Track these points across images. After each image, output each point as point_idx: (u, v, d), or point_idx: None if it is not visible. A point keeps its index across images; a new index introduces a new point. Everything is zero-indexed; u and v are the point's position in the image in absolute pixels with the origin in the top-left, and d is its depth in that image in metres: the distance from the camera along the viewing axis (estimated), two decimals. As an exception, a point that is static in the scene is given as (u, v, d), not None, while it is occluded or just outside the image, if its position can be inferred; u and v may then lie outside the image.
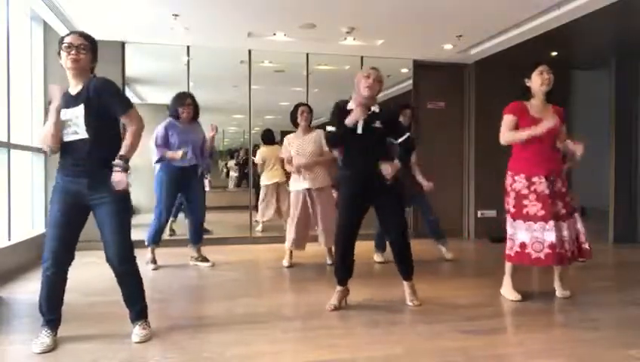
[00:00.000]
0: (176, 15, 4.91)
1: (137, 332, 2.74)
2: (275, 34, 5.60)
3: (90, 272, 4.11)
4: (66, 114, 2.61)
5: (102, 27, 5.18)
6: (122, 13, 4.92)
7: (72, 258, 2.71)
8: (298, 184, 4.69)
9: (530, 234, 3.40)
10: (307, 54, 6.45)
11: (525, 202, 3.44)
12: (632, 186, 6.53)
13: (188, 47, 6.08)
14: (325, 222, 4.66)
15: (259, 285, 4.26)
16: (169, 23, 5.09)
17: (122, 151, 2.60)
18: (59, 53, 2.64)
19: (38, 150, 5.53)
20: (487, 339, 2.77)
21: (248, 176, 6.99)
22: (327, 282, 4.26)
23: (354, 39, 5.77)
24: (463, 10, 4.82)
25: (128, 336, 2.75)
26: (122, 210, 2.69)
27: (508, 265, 3.64)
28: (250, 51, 6.28)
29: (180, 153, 4.38)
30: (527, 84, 3.57)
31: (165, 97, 4.77)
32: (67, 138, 2.62)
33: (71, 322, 3.02)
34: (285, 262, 4.87)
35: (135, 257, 2.77)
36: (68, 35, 2.67)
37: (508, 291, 3.63)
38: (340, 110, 3.36)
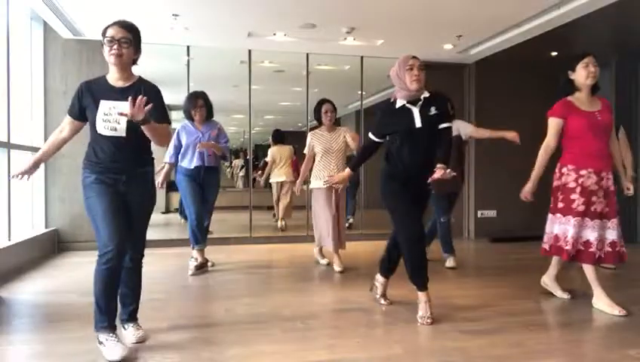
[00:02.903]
0: (176, 15, 4.92)
1: (133, 332, 2.72)
2: (275, 34, 5.60)
3: (90, 272, 4.11)
4: (106, 106, 2.51)
5: (102, 27, 5.17)
6: (122, 14, 4.89)
7: (127, 247, 2.58)
8: (321, 182, 4.52)
9: (574, 230, 3.30)
10: (307, 54, 6.45)
11: (573, 196, 3.31)
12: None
13: (188, 47, 6.08)
14: (341, 225, 4.62)
15: (259, 285, 4.26)
16: (169, 22, 5.10)
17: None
18: (102, 45, 2.56)
19: (39, 150, 5.53)
20: (487, 339, 2.77)
21: (249, 176, 7.07)
22: (328, 282, 4.27)
23: (354, 39, 5.77)
24: (463, 10, 4.82)
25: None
26: (150, 206, 2.72)
27: (592, 276, 3.39)
28: (250, 51, 6.28)
29: (161, 176, 4.49)
30: (571, 77, 3.39)
31: (165, 97, 4.75)
32: (104, 132, 2.52)
33: (71, 322, 3.03)
34: (324, 261, 4.82)
35: (144, 255, 2.77)
36: (111, 25, 2.57)
37: (603, 303, 3.34)
38: (387, 113, 3.17)
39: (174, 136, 4.56)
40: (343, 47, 6.04)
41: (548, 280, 3.74)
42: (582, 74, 3.34)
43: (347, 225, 6.45)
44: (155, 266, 4.79)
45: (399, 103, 3.10)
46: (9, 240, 4.62)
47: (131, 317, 2.78)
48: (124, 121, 2.48)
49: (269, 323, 3.06)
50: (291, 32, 5.52)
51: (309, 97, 6.57)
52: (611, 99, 6.56)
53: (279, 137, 7.44)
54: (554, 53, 6.39)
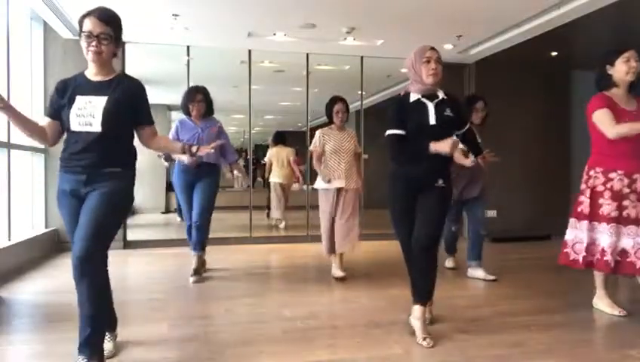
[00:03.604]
0: (176, 15, 4.92)
1: None
2: (275, 34, 5.60)
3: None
4: (82, 101, 2.33)
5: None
6: (122, 14, 4.87)
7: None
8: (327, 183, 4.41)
9: (612, 239, 3.09)
10: (307, 54, 6.45)
11: (601, 201, 3.12)
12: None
13: (188, 47, 6.08)
14: (342, 223, 4.32)
15: (259, 285, 4.26)
16: (169, 22, 5.10)
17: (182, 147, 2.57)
18: (80, 35, 2.36)
19: (39, 150, 5.53)
20: (487, 339, 2.77)
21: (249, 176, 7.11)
22: (328, 282, 4.26)
23: (354, 39, 5.77)
24: (463, 11, 4.82)
25: (127, 337, 2.74)
26: (111, 203, 2.30)
27: (598, 277, 3.32)
28: (250, 51, 6.28)
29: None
30: (609, 72, 3.20)
31: (165, 97, 4.77)
32: (77, 128, 2.31)
33: (71, 322, 3.02)
34: (337, 272, 4.31)
35: (103, 258, 2.30)
36: (87, 16, 2.37)
37: (604, 304, 3.31)
38: (401, 106, 2.83)
39: (172, 131, 4.46)
40: (343, 47, 6.04)
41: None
42: (622, 69, 3.15)
43: None
44: (154, 266, 4.80)
45: (413, 97, 2.82)
46: (9, 240, 4.62)
47: (82, 346, 2.22)
48: (99, 114, 2.29)
49: (269, 323, 3.06)
50: (291, 32, 5.52)
51: (309, 97, 6.58)
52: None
53: (279, 138, 7.52)
54: (554, 53, 6.38)
